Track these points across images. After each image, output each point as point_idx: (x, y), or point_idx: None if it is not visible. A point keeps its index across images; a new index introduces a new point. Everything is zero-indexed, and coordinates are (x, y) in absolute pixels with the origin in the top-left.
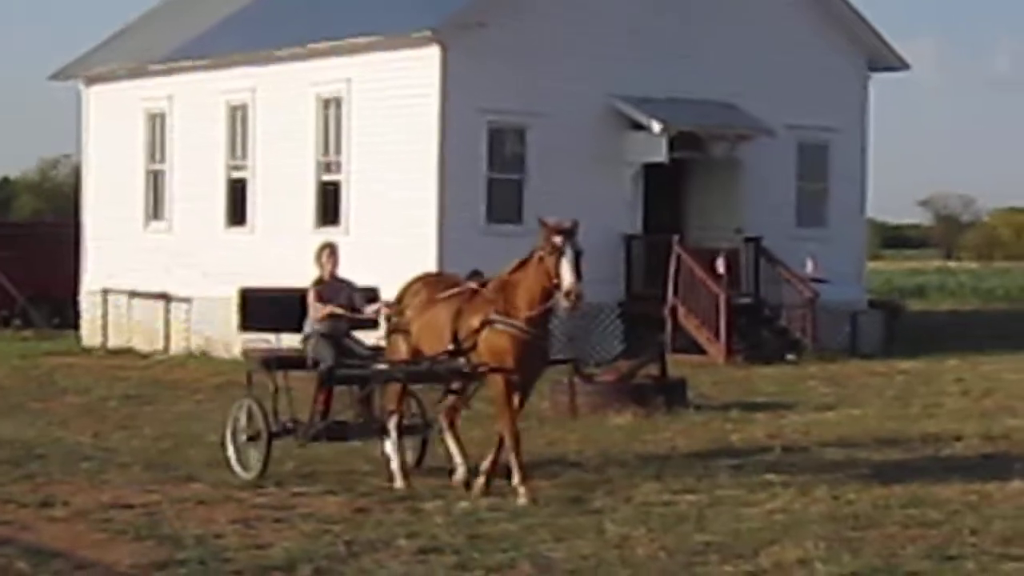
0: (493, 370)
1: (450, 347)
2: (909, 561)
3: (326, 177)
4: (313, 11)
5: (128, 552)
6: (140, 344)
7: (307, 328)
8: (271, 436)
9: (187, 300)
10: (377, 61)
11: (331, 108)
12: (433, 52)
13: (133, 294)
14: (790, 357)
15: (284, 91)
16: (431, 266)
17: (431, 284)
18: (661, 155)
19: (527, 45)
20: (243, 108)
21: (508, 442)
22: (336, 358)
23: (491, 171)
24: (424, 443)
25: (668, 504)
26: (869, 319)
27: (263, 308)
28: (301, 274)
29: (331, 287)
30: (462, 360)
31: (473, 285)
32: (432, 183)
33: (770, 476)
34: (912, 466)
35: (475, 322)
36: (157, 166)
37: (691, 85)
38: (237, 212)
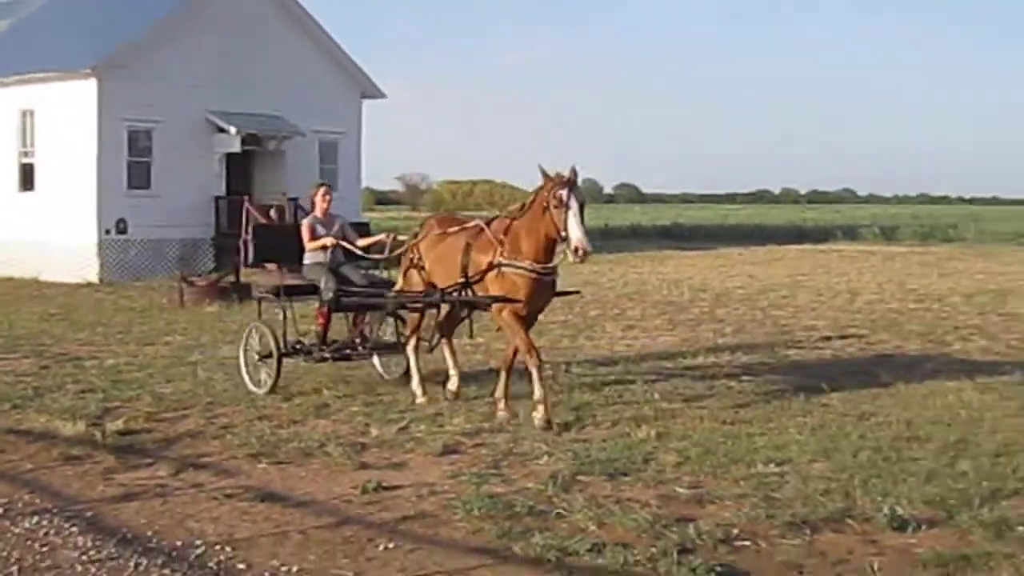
0: (499, 299)
1: (460, 280)
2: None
3: (25, 160)
4: (12, 52)
5: None
6: None
7: (307, 259)
8: (281, 356)
9: None
10: (58, 86)
11: (28, 117)
12: (92, 83)
13: None
14: None
15: None
16: (92, 218)
17: (442, 221)
18: (236, 148)
19: (152, 78)
20: None
21: (531, 365)
22: (336, 286)
23: (130, 156)
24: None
25: (238, 358)
26: None
27: (271, 242)
28: (11, 223)
29: (323, 222)
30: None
31: (480, 223)
32: (92, 165)
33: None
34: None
35: (483, 261)
36: None
37: (254, 103)
38: None
